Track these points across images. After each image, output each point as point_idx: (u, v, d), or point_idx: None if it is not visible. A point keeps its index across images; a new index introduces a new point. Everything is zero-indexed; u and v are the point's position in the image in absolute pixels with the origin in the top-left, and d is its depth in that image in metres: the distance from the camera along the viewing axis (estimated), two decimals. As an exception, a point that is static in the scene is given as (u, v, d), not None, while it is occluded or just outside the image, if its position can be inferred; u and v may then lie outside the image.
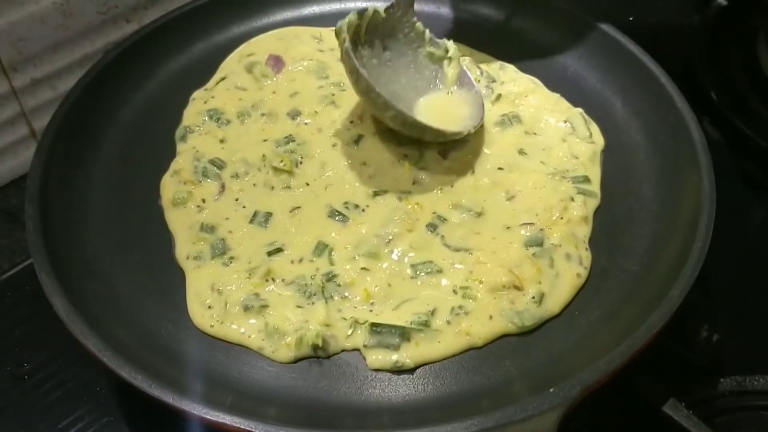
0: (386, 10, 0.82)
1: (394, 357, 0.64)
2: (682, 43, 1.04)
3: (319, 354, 0.65)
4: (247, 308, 0.67)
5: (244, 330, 0.66)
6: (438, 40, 0.84)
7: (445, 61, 0.84)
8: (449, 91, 0.83)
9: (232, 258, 0.71)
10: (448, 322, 0.66)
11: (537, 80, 0.88)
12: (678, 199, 0.74)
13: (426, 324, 0.66)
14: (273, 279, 0.69)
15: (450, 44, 0.84)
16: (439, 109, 0.81)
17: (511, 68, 0.90)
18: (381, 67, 0.82)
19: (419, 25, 0.84)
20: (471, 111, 0.81)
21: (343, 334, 0.66)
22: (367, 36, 0.81)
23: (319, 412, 0.61)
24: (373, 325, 0.65)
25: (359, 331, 0.66)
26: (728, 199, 0.72)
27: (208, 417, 0.56)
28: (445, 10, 0.98)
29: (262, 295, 0.68)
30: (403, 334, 0.65)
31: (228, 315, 0.67)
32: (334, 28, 0.78)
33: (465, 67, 0.84)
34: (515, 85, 0.88)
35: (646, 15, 1.09)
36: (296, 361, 0.65)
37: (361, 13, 0.80)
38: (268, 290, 0.68)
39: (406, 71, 0.84)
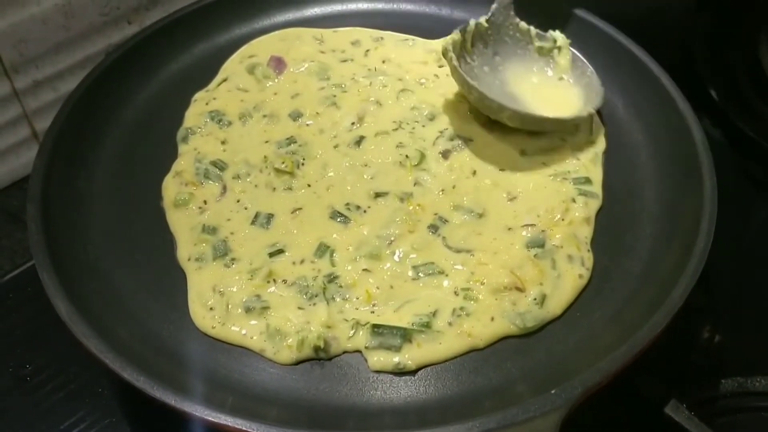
0: (487, 20, 0.85)
1: (396, 359, 0.64)
2: (684, 43, 1.04)
3: (320, 355, 0.65)
4: (248, 310, 0.67)
5: (246, 331, 0.66)
6: (544, 33, 0.86)
7: (555, 51, 0.86)
8: (560, 77, 0.86)
9: (233, 259, 0.71)
10: (450, 324, 0.66)
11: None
12: (680, 200, 0.74)
13: (427, 325, 0.66)
14: (274, 280, 0.69)
15: (557, 34, 0.86)
16: (552, 97, 0.84)
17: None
18: (494, 72, 0.85)
19: (522, 24, 0.86)
20: (586, 93, 0.84)
21: (345, 335, 0.66)
22: (474, 47, 0.84)
23: (321, 414, 0.61)
24: (375, 326, 0.65)
25: (361, 333, 0.66)
26: (730, 200, 0.72)
27: (209, 418, 0.56)
28: (446, 11, 0.98)
29: (264, 296, 0.68)
30: (405, 335, 0.65)
31: (229, 316, 0.67)
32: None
33: (575, 52, 0.86)
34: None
35: (647, 15, 1.08)
36: (298, 362, 0.65)
37: (464, 29, 0.83)
38: (269, 291, 0.68)
39: (519, 70, 0.86)
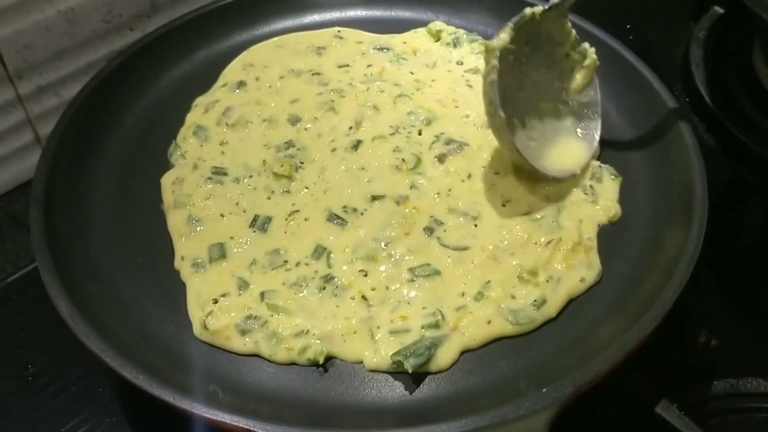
0: (542, 13, 0.76)
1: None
2: (679, 50, 1.05)
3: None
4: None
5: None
6: (580, 43, 0.80)
7: (578, 66, 0.81)
8: (569, 125, 0.81)
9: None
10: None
11: None
12: (671, 204, 0.75)
13: (435, 325, 0.66)
14: (272, 282, 0.70)
15: (590, 52, 0.81)
16: (555, 143, 0.79)
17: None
18: (515, 65, 0.76)
19: (568, 25, 0.79)
20: (589, 146, 0.80)
21: (341, 335, 0.67)
22: (514, 43, 0.75)
23: (317, 412, 0.62)
24: (396, 353, 0.64)
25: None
26: (723, 205, 0.73)
27: (207, 416, 0.57)
28: (443, 18, 0.99)
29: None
30: (431, 346, 0.65)
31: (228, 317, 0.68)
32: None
33: (597, 86, 0.82)
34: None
35: (642, 23, 1.10)
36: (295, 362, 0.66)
37: (518, 22, 0.74)
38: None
39: (537, 70, 0.79)
